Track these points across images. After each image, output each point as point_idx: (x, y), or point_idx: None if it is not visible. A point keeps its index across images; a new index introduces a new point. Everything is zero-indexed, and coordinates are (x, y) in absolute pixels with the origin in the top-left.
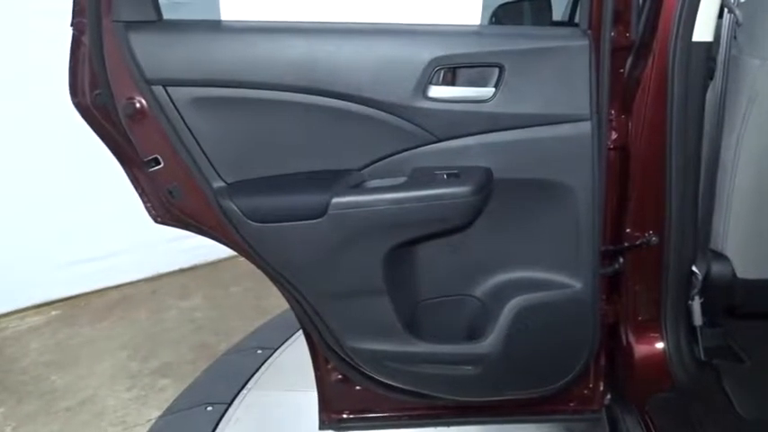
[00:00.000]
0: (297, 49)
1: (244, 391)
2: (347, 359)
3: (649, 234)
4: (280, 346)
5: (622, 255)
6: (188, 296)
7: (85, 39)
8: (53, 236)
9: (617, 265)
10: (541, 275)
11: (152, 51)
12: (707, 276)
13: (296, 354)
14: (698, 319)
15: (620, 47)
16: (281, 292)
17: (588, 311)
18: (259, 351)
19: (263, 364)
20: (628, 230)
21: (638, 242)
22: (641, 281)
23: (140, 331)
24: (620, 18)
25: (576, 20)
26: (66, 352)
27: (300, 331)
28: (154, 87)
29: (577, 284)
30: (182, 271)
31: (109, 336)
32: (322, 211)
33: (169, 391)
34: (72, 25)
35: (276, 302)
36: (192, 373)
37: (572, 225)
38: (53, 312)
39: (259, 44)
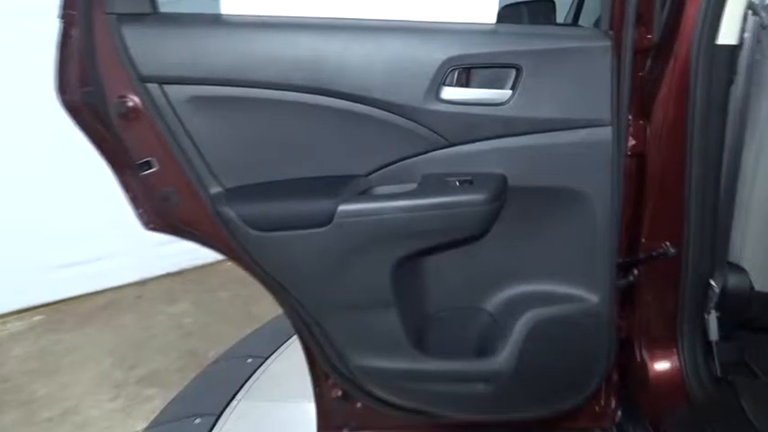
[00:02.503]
0: (302, 46)
1: (234, 402)
2: (350, 376)
3: (666, 245)
4: (271, 355)
5: (637, 267)
6: (175, 301)
7: (75, 32)
8: (36, 239)
9: (631, 278)
10: (556, 288)
11: (147, 46)
12: (724, 289)
13: (288, 363)
14: (714, 334)
15: (639, 48)
16: (279, 303)
17: (604, 326)
18: (249, 360)
19: (253, 373)
20: (643, 241)
21: (654, 254)
22: (656, 294)
23: (126, 338)
24: (640, 18)
25: (581, 22)
26: (49, 359)
27: (292, 339)
28: (149, 85)
29: (594, 298)
30: (169, 275)
31: (93, 342)
32: (327, 220)
33: (156, 401)
34: (60, 17)
35: (266, 308)
36: (180, 381)
37: (589, 236)
38: (36, 318)
39: (262, 40)
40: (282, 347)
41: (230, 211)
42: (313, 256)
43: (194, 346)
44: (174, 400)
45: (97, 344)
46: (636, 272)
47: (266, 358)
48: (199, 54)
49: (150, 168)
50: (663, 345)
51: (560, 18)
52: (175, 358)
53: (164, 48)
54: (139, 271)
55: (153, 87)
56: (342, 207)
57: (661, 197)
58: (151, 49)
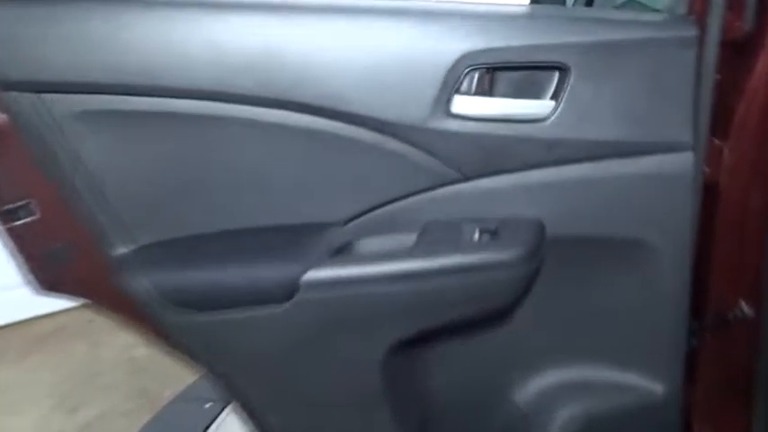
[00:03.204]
0: (251, 36)
1: None
2: None
3: (742, 305)
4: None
5: (702, 330)
6: (127, 329)
7: None
8: None
9: (692, 343)
10: (608, 374)
11: (14, 39)
12: None
13: None
14: None
15: (725, 41)
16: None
17: (673, 426)
18: (209, 404)
19: (213, 421)
20: (711, 299)
21: (726, 314)
22: (726, 366)
23: (72, 372)
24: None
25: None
26: None
27: None
28: (19, 95)
29: (659, 387)
30: None
31: (34, 379)
32: (287, 294)
33: None
34: None
35: None
36: (129, 428)
37: (656, 303)
38: None
39: (190, 28)
40: None
41: (143, 281)
42: (267, 346)
43: (146, 385)
44: None
45: (38, 381)
46: (698, 337)
47: (227, 404)
48: (95, 49)
49: (29, 216)
50: (731, 428)
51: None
52: (124, 399)
53: (41, 41)
54: None
55: (26, 98)
56: (308, 275)
57: (737, 241)
58: (20, 43)
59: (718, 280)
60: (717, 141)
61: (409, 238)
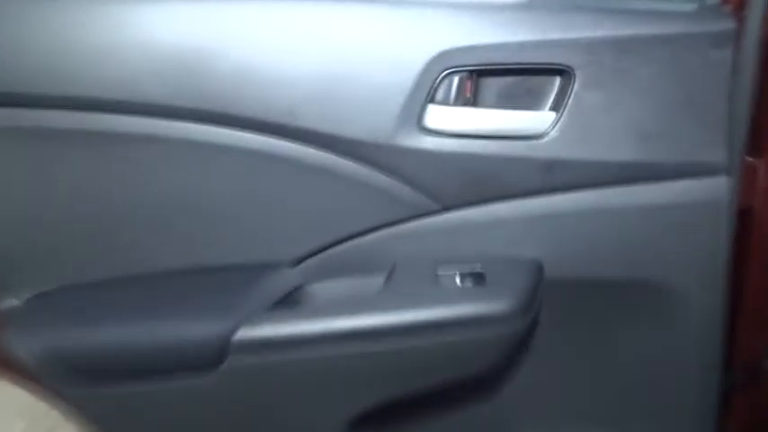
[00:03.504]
0: (167, 25)
1: None
2: None
3: None
4: None
5: (729, 384)
6: None
7: None
8: None
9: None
10: None
11: None
12: None
13: None
14: None
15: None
16: None
17: None
18: None
19: None
20: (742, 345)
21: (760, 362)
22: (759, 421)
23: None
24: None
25: None
26: None
27: None
28: None
29: None
30: None
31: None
32: (214, 357)
33: None
34: None
35: None
36: None
37: (681, 357)
38: None
39: (86, 14)
40: None
41: (30, 343)
42: (189, 425)
43: None
44: None
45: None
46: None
47: None
48: None
49: None
50: None
51: None
52: None
53: None
54: None
55: None
56: (241, 333)
57: None
58: None
59: (748, 324)
60: (750, 158)
61: (373, 283)
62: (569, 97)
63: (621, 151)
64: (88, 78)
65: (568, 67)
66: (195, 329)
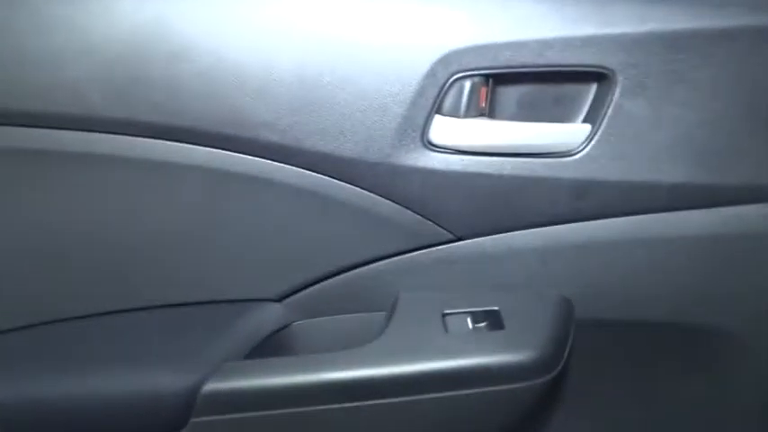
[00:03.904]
0: (112, 21)
1: None
2: None
3: None
4: None
5: None
6: None
7: None
8: None
9: None
10: None
11: None
12: None
13: None
14: None
15: None
16: None
17: None
18: None
19: None
20: None
21: None
22: None
23: None
24: None
25: None
26: None
27: None
28: None
29: None
30: None
31: None
32: (178, 415)
33: None
34: None
35: None
36: None
37: (733, 411)
38: None
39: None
40: None
41: None
42: None
43: None
44: None
45: None
46: None
47: None
48: None
49: None
50: None
51: None
52: None
53: None
54: None
55: None
56: (210, 386)
57: None
58: None
59: None
60: None
61: (369, 324)
62: (608, 107)
63: (670, 172)
64: (18, 88)
65: (607, 69)
66: (154, 382)
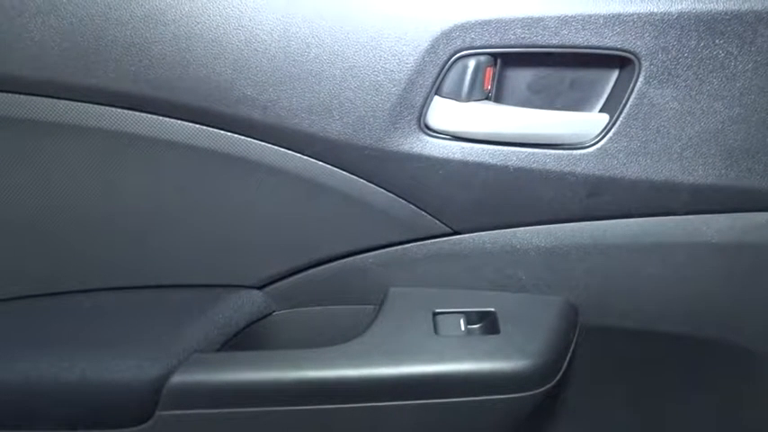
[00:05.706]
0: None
1: None
2: None
3: None
4: None
5: None
6: None
7: None
8: None
9: None
10: None
11: None
12: None
13: None
14: None
15: None
16: None
17: None
18: None
19: None
20: None
21: None
22: None
23: None
24: None
25: None
26: None
27: None
28: None
29: None
30: None
31: None
32: (141, 409)
33: None
34: None
35: None
36: None
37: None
38: None
39: None
40: None
41: None
42: None
43: None
44: None
45: None
46: None
47: None
48: None
49: None
50: None
51: None
52: None
53: None
54: None
55: None
56: (176, 379)
57: None
58: None
59: None
60: None
61: (354, 318)
62: (630, 95)
63: (695, 171)
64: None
65: (631, 53)
66: (119, 369)
